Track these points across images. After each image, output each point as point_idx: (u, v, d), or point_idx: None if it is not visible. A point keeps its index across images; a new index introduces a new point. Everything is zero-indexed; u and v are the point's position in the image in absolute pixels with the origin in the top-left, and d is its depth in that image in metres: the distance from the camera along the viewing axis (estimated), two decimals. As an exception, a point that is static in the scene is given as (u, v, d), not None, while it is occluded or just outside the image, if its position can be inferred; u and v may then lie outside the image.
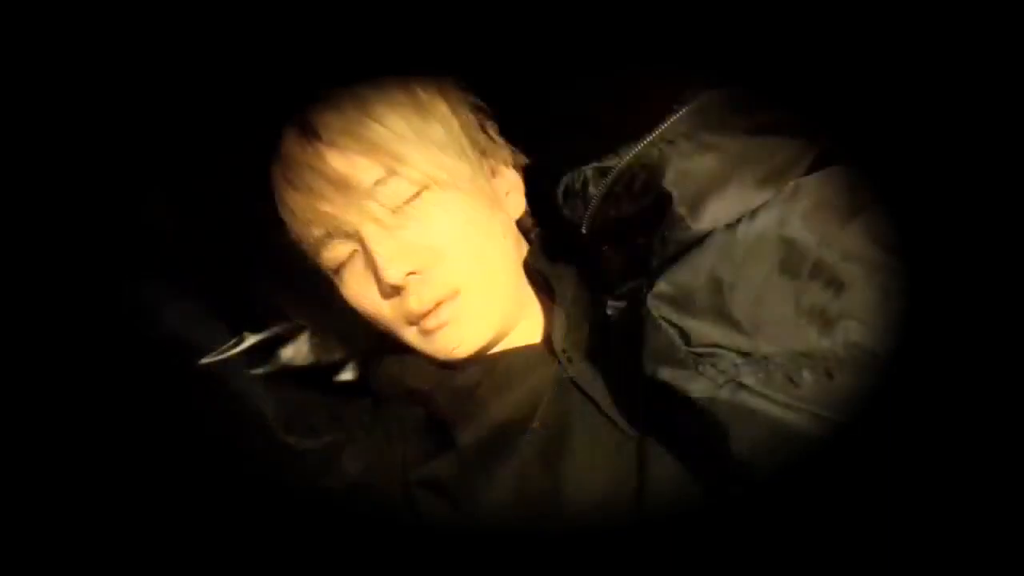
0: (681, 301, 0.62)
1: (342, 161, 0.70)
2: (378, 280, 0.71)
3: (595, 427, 0.68)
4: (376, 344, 0.79)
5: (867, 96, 0.61)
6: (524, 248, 0.79)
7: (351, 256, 0.73)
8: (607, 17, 0.66)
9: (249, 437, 0.75)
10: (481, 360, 0.74)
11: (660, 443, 0.64)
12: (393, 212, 0.70)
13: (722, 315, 0.61)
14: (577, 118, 0.71)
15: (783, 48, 0.63)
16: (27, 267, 0.69)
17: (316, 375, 0.86)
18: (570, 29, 0.67)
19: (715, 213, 0.63)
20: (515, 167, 0.79)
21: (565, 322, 0.73)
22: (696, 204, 0.63)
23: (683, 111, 0.66)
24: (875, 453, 0.56)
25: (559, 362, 0.71)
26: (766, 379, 0.59)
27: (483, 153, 0.75)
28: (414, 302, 0.71)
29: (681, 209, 0.64)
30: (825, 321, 0.59)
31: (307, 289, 0.80)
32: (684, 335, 0.62)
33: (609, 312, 0.69)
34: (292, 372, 0.85)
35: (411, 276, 0.70)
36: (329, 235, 0.72)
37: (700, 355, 0.61)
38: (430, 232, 0.71)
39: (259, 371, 0.84)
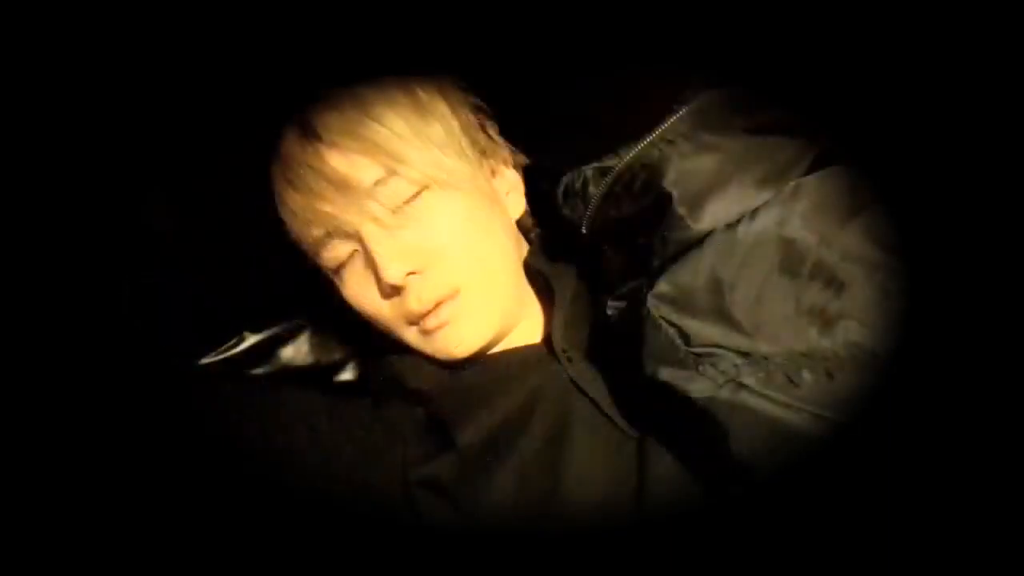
0: (681, 301, 0.62)
1: (342, 161, 0.70)
2: (378, 280, 0.71)
3: (595, 427, 0.68)
4: (376, 344, 0.79)
5: (867, 96, 0.61)
6: (524, 248, 0.79)
7: (351, 256, 0.73)
8: (607, 17, 0.66)
9: (249, 437, 0.75)
10: (481, 360, 0.74)
11: (660, 443, 0.64)
12: (393, 212, 0.70)
13: (722, 315, 0.61)
14: (577, 118, 0.71)
15: (783, 48, 0.63)
16: (27, 267, 0.69)
17: (316, 375, 0.86)
18: (570, 29, 0.67)
19: (715, 213, 0.63)
20: (515, 167, 0.79)
21: (565, 322, 0.73)
22: (696, 204, 0.63)
23: (683, 111, 0.66)
24: (875, 453, 0.56)
25: (559, 362, 0.71)
26: (766, 379, 0.59)
27: (483, 153, 0.75)
28: (414, 302, 0.71)
29: (681, 209, 0.64)
30: (825, 321, 0.59)
31: (307, 289, 0.80)
32: (684, 335, 0.62)
33: (609, 312, 0.69)
34: (292, 372, 0.85)
35: (411, 276, 0.70)
36: (329, 235, 0.72)
37: (700, 355, 0.61)
38: (430, 232, 0.71)
39: (259, 371, 0.85)
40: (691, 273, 0.62)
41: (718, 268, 0.62)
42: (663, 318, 0.62)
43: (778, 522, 0.57)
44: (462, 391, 0.73)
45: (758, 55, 0.63)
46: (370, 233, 0.70)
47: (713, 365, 0.60)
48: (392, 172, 0.70)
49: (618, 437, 0.67)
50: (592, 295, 0.74)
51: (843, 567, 0.56)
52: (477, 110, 0.75)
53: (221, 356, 0.83)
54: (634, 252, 0.67)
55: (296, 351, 0.86)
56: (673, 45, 0.65)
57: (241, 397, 0.78)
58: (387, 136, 0.70)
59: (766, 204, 0.62)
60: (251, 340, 0.84)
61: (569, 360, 0.71)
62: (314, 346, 0.87)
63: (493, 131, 0.76)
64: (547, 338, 0.74)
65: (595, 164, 0.69)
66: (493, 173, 0.77)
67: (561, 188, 0.71)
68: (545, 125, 0.74)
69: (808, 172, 0.62)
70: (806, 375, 0.58)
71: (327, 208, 0.70)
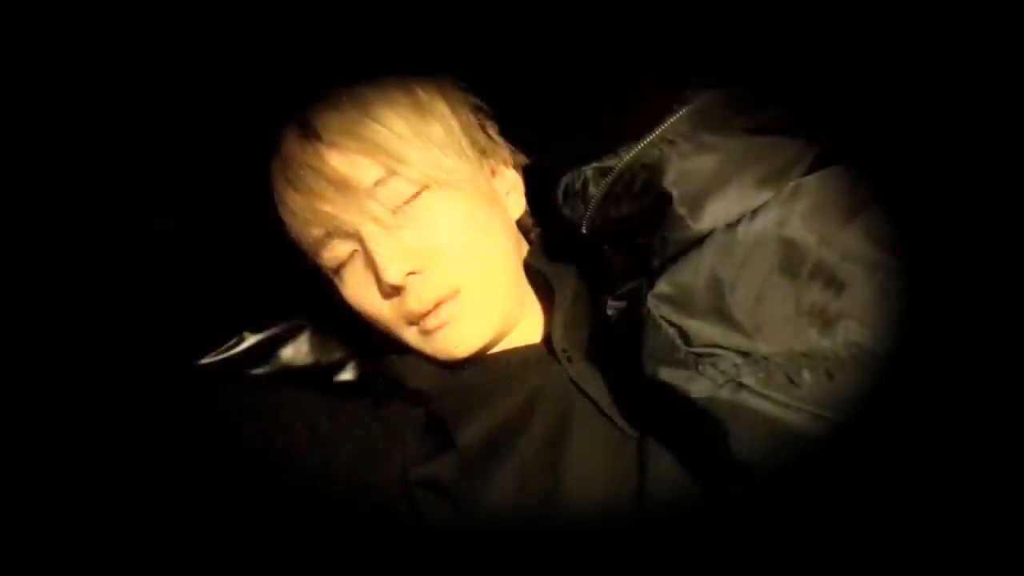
0: (681, 301, 0.62)
1: (342, 161, 0.70)
2: (378, 280, 0.71)
3: (595, 427, 0.68)
4: (376, 344, 0.79)
5: (867, 96, 0.61)
6: (524, 248, 0.79)
7: (351, 256, 0.73)
8: (607, 17, 0.66)
9: (249, 437, 0.75)
10: (481, 360, 0.74)
11: (660, 443, 0.64)
12: (393, 212, 0.70)
13: (722, 315, 0.61)
14: (577, 118, 0.71)
15: (783, 48, 0.63)
16: (27, 267, 0.69)
17: (316, 375, 0.86)
18: (570, 29, 0.67)
19: (715, 213, 0.63)
20: (515, 167, 0.79)
21: (565, 322, 0.73)
22: (696, 204, 0.63)
23: (683, 111, 0.66)
24: (875, 453, 0.56)
25: (559, 362, 0.71)
26: (766, 379, 0.59)
27: (483, 153, 0.75)
28: (414, 302, 0.71)
29: (681, 209, 0.64)
30: (825, 321, 0.59)
31: (307, 289, 0.80)
32: (684, 335, 0.62)
33: (609, 312, 0.69)
34: (292, 372, 0.85)
35: (411, 276, 0.70)
36: (329, 235, 0.72)
37: (700, 355, 0.61)
38: (430, 232, 0.71)
39: (259, 371, 0.85)
40: (691, 273, 0.62)
41: (718, 268, 0.62)
42: (663, 318, 0.62)
43: (778, 522, 0.57)
44: (462, 391, 0.73)
45: (758, 55, 0.63)
46: (370, 233, 0.70)
47: (713, 365, 0.60)
48: (392, 172, 0.70)
49: (618, 437, 0.67)
50: (592, 295, 0.74)
51: (843, 567, 0.56)
52: (477, 110, 0.75)
53: (221, 356, 0.83)
54: (634, 252, 0.67)
55: (296, 351, 0.86)
56: (673, 45, 0.65)
57: (241, 397, 0.78)
58: (387, 136, 0.70)
59: (766, 204, 0.62)
60: (251, 340, 0.84)
61: (569, 360, 0.71)
62: (314, 346, 0.87)
63: (493, 131, 0.76)
64: (547, 338, 0.74)
65: (595, 164, 0.69)
66: (493, 173, 0.77)
67: (561, 188, 0.71)
68: (545, 125, 0.74)
69: (808, 172, 0.62)
70: (806, 375, 0.58)
71: (327, 208, 0.70)
